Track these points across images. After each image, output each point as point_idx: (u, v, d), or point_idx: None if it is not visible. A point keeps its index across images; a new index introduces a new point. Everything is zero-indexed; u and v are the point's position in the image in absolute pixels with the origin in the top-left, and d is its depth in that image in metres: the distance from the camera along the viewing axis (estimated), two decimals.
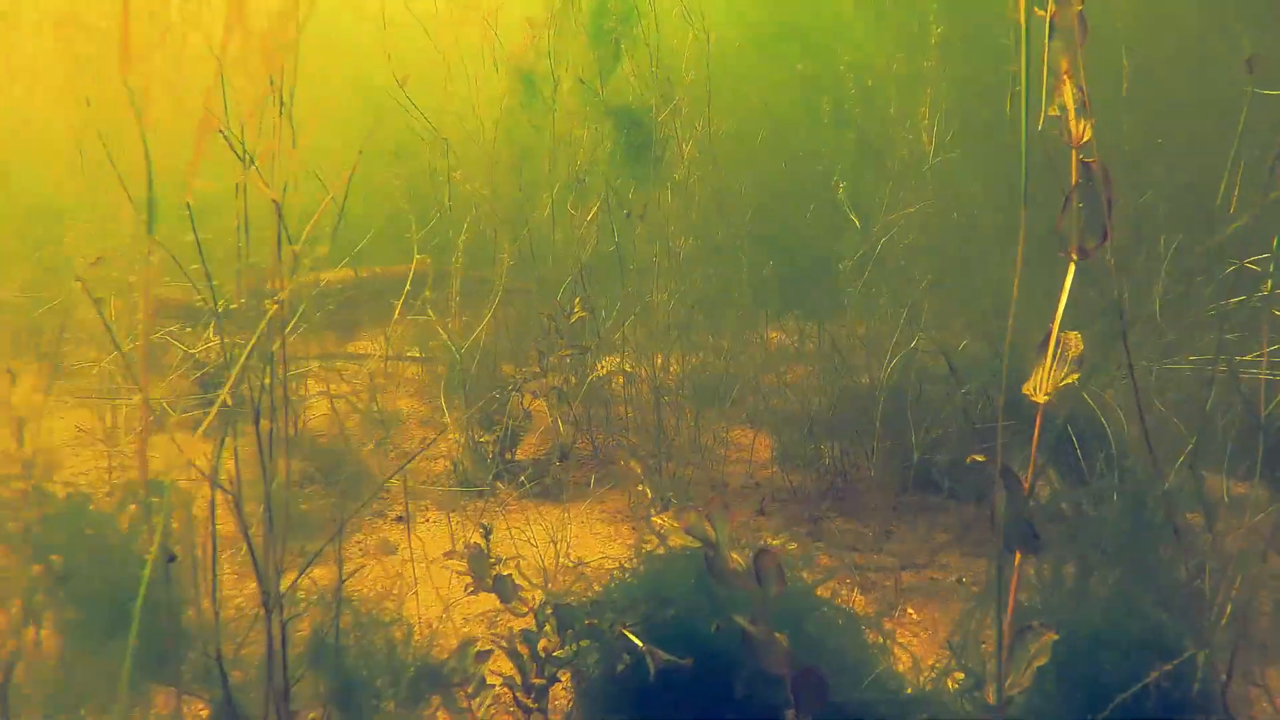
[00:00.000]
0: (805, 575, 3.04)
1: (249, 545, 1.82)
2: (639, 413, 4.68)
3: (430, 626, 2.91)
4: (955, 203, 4.01)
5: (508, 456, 4.37)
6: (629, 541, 3.68)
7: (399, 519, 3.99)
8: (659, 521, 1.84)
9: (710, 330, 4.78)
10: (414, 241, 3.94)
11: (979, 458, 1.69)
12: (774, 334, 5.49)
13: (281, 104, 1.79)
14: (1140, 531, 2.36)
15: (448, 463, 4.41)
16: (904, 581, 3.37)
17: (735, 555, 1.81)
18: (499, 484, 4.23)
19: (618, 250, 4.23)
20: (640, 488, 2.93)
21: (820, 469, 4.18)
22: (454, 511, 3.97)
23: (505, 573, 2.34)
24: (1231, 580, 2.21)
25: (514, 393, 4.25)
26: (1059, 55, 1.66)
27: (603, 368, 5.03)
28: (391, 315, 5.23)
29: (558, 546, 3.39)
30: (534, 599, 2.40)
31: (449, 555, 2.44)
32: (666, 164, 4.71)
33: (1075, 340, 1.67)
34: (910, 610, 3.18)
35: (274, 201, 1.79)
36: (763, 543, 2.85)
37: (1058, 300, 1.72)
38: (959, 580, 3.38)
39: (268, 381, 1.83)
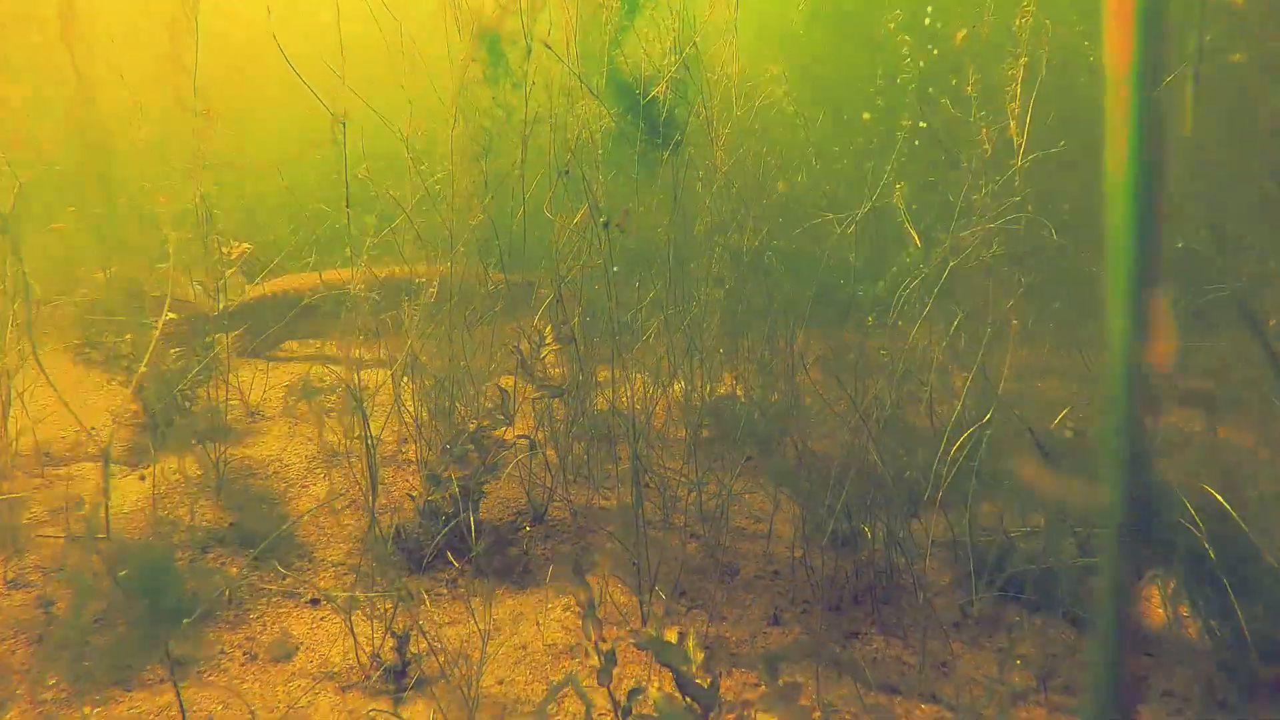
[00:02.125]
0: None
1: None
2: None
3: None
4: (1052, 214, 2.95)
5: (464, 518, 3.50)
6: (590, 662, 2.76)
7: (313, 602, 3.17)
8: None
9: (725, 361, 3.82)
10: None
11: None
12: (812, 363, 4.49)
13: None
14: None
15: (397, 518, 3.56)
16: None
17: None
18: (450, 555, 3.37)
19: (606, 264, 3.29)
20: (588, 623, 2.04)
21: (859, 556, 3.19)
22: (380, 595, 3.12)
23: None
24: None
25: (469, 445, 3.36)
26: None
27: (601, 402, 4.12)
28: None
29: (467, 690, 2.50)
30: None
31: None
32: (683, 155, 3.76)
33: None
34: None
35: None
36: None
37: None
38: None
39: None
